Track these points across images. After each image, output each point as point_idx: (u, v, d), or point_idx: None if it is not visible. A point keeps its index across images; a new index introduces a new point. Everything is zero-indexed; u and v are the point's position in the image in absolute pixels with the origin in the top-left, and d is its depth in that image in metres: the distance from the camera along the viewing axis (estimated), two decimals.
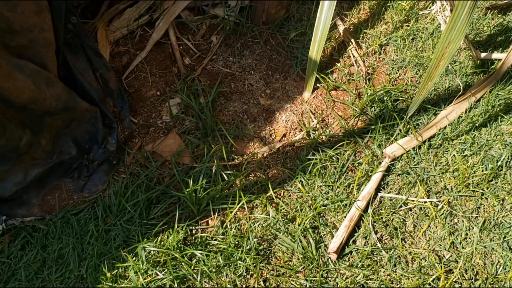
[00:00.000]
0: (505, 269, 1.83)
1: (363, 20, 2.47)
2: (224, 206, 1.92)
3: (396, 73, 2.31)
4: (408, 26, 2.43)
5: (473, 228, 1.91)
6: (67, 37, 1.87)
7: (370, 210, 1.93)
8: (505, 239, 1.88)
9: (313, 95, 2.25)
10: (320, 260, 1.83)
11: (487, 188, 1.99)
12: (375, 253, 1.85)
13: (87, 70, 1.98)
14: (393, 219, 1.93)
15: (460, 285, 1.79)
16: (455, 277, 1.80)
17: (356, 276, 1.79)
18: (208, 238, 1.86)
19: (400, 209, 1.95)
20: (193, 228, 1.89)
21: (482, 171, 2.01)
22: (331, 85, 2.26)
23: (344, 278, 1.79)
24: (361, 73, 2.29)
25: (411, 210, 1.95)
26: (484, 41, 2.40)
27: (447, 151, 2.08)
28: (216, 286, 1.76)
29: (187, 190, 1.87)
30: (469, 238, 1.89)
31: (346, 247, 1.86)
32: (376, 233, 1.90)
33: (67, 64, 1.89)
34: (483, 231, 1.90)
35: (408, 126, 2.11)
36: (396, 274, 1.80)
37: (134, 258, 1.80)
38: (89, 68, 2.00)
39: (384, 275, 1.81)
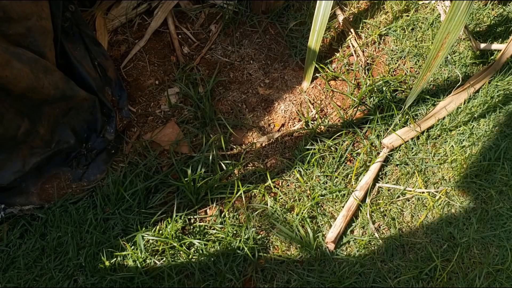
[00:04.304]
0: (501, 259, 1.84)
1: (363, 10, 2.46)
2: (223, 195, 1.92)
3: (395, 63, 2.31)
4: (407, 16, 2.42)
5: (470, 218, 1.92)
6: (65, 25, 1.86)
7: (368, 200, 1.94)
8: (502, 230, 1.89)
9: (312, 85, 2.25)
10: (318, 249, 1.84)
11: (485, 179, 1.99)
12: (372, 243, 1.87)
13: (85, 59, 1.97)
14: (390, 209, 1.94)
15: (456, 275, 1.81)
16: (452, 267, 1.81)
17: (354, 266, 1.81)
18: (206, 227, 1.87)
19: (398, 199, 1.96)
20: (192, 217, 1.90)
21: (480, 162, 2.02)
22: (330, 75, 2.25)
23: (341, 268, 1.80)
24: (360, 63, 2.28)
25: (409, 201, 1.96)
26: (484, 31, 2.39)
27: (445, 142, 2.08)
28: (214, 275, 1.77)
29: (186, 179, 1.87)
30: (466, 228, 1.90)
31: (343, 236, 1.87)
32: (373, 223, 1.91)
33: (65, 52, 1.88)
34: (480, 222, 1.91)
35: (407, 116, 2.11)
36: (393, 264, 1.82)
37: (132, 247, 1.80)
38: (87, 56, 1.98)
39: (382, 264, 1.82)
